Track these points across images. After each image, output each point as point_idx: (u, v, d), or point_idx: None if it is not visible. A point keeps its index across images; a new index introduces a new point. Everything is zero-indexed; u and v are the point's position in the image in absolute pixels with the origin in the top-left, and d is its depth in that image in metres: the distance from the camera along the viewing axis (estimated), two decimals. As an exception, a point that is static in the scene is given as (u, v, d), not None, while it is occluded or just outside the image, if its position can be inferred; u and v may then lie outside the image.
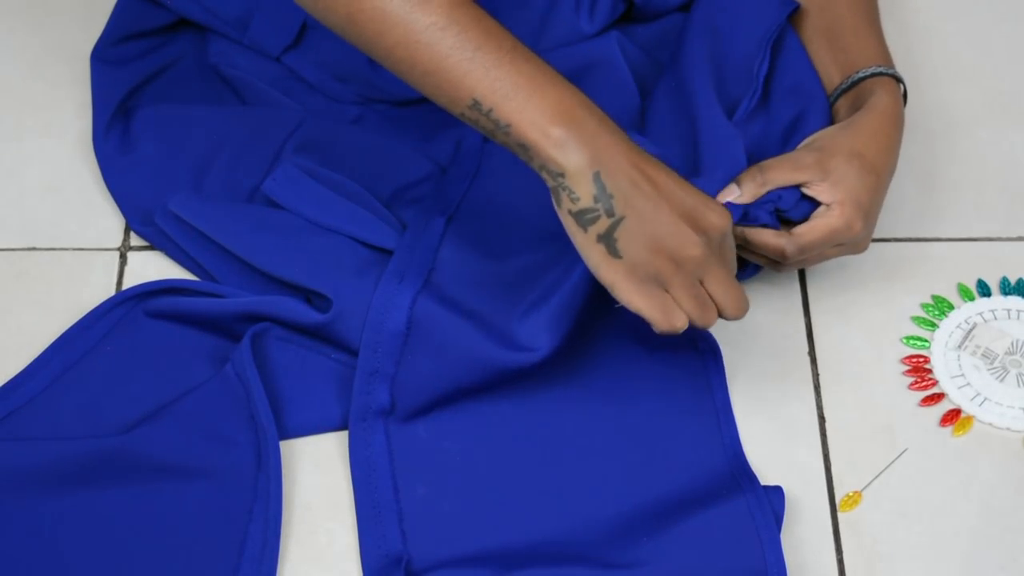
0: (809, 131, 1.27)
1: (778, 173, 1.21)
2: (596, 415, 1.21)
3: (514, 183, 1.27)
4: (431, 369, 1.20)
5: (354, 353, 1.23)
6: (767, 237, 1.21)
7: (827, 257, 1.25)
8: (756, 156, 1.26)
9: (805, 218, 1.21)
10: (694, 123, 1.26)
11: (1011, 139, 1.40)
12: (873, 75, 1.27)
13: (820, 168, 1.21)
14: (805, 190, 1.21)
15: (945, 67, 1.45)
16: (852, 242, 1.23)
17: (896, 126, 1.25)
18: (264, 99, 1.37)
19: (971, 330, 1.27)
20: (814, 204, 1.21)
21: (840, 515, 1.18)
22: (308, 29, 1.38)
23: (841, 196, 1.20)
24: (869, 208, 1.22)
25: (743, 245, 1.22)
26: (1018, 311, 1.28)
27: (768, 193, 1.20)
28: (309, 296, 1.25)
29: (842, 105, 1.28)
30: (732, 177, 1.21)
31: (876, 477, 1.20)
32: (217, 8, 1.38)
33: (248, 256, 1.26)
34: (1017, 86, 1.44)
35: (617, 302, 1.11)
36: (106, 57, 1.40)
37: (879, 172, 1.22)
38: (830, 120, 1.29)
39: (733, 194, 1.20)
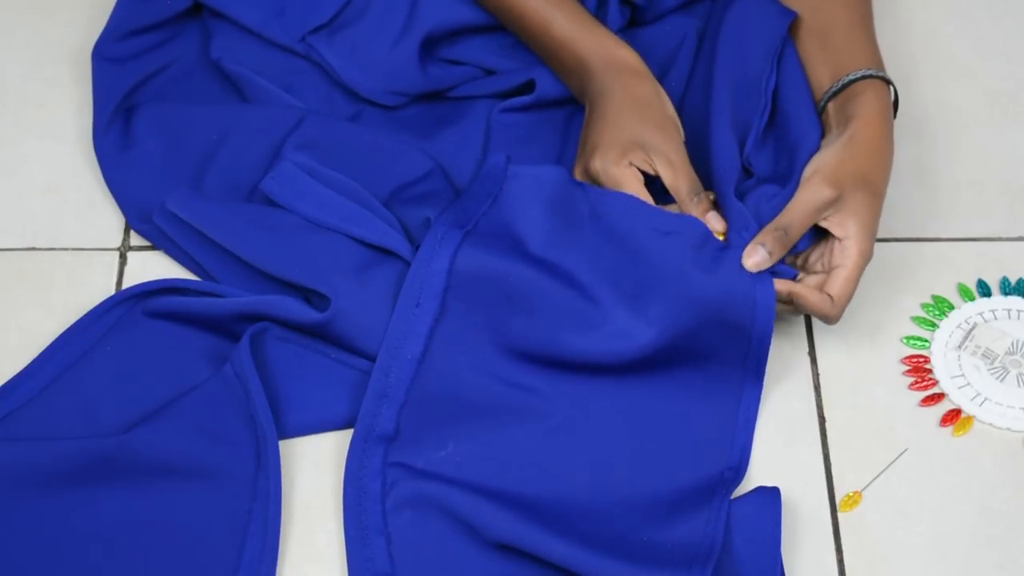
0: (806, 149, 1.27)
1: (800, 226, 1.21)
2: (606, 454, 1.20)
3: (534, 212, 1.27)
4: (441, 399, 1.20)
5: (353, 352, 1.23)
6: (813, 301, 1.21)
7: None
8: (770, 174, 1.26)
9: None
10: (709, 146, 1.27)
11: (1011, 139, 1.40)
12: (863, 78, 1.27)
13: (836, 203, 1.22)
14: (820, 223, 1.22)
15: (945, 67, 1.45)
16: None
17: (886, 132, 1.25)
18: (265, 96, 1.37)
19: (971, 330, 1.27)
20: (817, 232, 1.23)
21: (840, 515, 1.18)
22: (344, 10, 1.38)
23: (854, 229, 1.21)
24: (874, 229, 1.23)
25: (788, 303, 1.23)
26: (1018, 311, 1.28)
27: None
28: (308, 295, 1.25)
29: (831, 108, 1.28)
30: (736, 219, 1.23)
31: (876, 477, 1.20)
32: None
33: (246, 255, 1.26)
34: (1017, 86, 1.44)
35: None
36: (108, 54, 1.40)
37: (881, 193, 1.24)
38: (821, 132, 1.29)
39: (760, 255, 1.20)
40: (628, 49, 1.31)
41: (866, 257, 1.22)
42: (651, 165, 1.24)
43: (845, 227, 1.21)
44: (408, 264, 1.23)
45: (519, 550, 1.14)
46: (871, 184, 1.23)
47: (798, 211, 1.22)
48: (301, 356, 1.23)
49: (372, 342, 1.22)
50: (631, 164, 1.25)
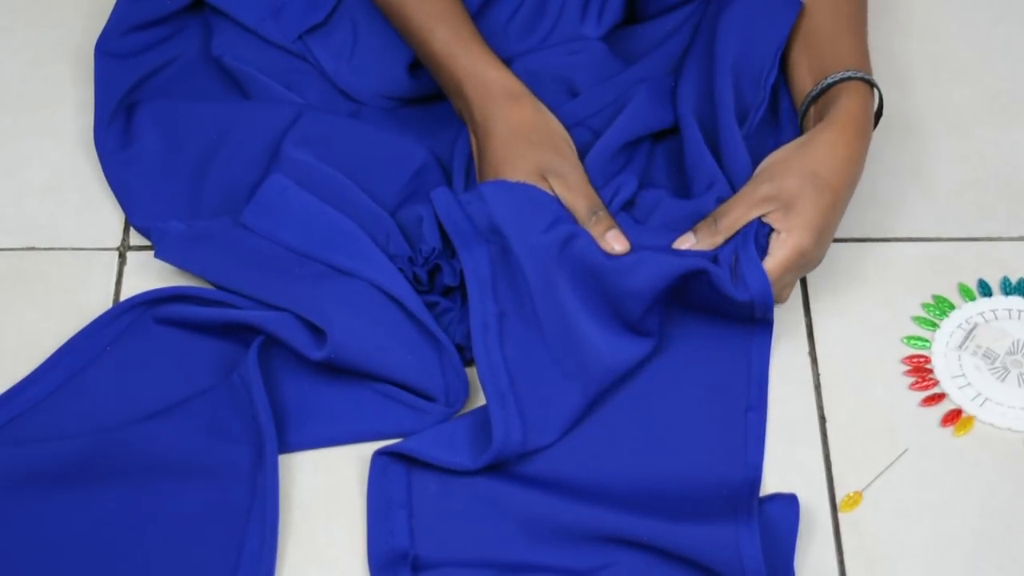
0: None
1: (732, 218, 1.21)
2: (623, 443, 1.21)
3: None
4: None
5: (357, 372, 1.22)
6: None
7: (789, 283, 1.24)
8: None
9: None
10: (717, 135, 1.27)
11: (1011, 139, 1.40)
12: (844, 79, 1.26)
13: (775, 199, 1.21)
14: (763, 220, 1.21)
15: (945, 67, 1.45)
16: (806, 264, 1.23)
17: (858, 134, 1.23)
18: (267, 92, 1.37)
19: (972, 330, 1.27)
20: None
21: (841, 515, 1.18)
22: (337, 12, 1.38)
23: (793, 222, 1.20)
24: (823, 227, 1.21)
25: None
26: (1019, 311, 1.28)
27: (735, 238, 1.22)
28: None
29: (812, 112, 1.27)
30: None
31: (877, 477, 1.20)
32: None
33: (242, 291, 1.25)
34: (1017, 86, 1.44)
35: None
36: (110, 50, 1.40)
37: (836, 189, 1.22)
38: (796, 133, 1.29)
39: (688, 242, 1.22)
40: (503, 70, 1.29)
41: (801, 252, 1.20)
42: (549, 188, 1.23)
43: (783, 221, 1.20)
44: (389, 295, 1.22)
45: (543, 530, 1.15)
46: (820, 179, 1.21)
47: (733, 203, 1.22)
48: (309, 369, 1.23)
49: (373, 367, 1.21)
50: None
